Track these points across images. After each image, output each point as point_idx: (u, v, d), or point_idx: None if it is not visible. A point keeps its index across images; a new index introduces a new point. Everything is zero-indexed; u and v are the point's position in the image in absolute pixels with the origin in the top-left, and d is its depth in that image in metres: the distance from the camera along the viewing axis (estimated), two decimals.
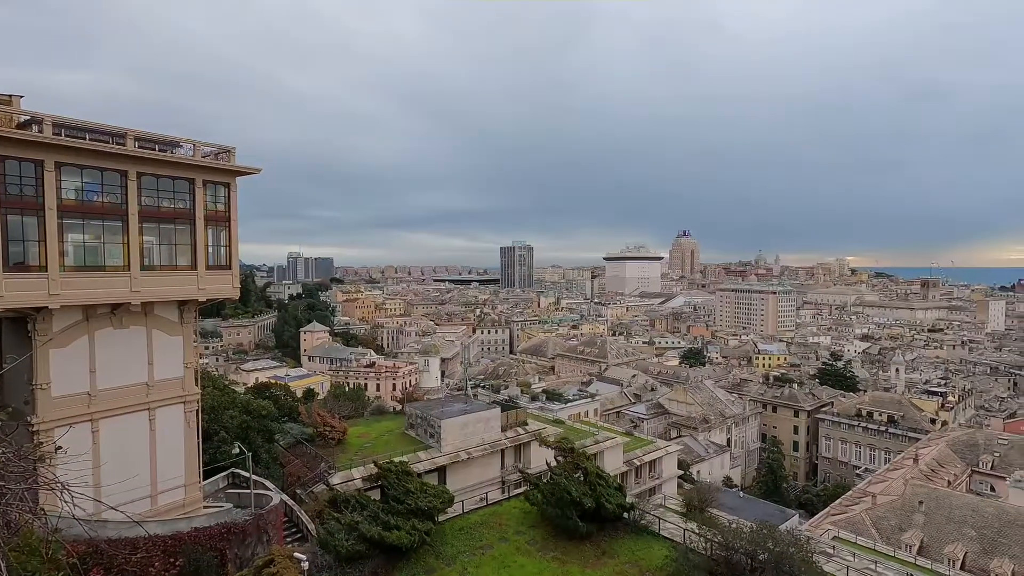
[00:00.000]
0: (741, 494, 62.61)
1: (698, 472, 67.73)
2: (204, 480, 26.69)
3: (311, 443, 38.57)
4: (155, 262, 23.78)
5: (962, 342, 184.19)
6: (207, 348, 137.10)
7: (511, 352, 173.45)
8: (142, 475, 23.22)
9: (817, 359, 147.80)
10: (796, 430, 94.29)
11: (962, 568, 38.18)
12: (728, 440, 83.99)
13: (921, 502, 44.59)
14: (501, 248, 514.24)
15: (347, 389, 78.91)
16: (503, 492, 38.05)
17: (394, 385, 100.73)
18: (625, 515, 29.04)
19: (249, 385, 62.50)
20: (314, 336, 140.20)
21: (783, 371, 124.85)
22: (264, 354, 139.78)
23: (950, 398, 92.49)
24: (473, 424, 40.37)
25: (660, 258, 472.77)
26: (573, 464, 30.30)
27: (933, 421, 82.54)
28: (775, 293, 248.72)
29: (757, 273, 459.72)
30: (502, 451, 41.69)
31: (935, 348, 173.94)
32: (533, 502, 29.44)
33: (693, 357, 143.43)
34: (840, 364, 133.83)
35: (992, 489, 56.77)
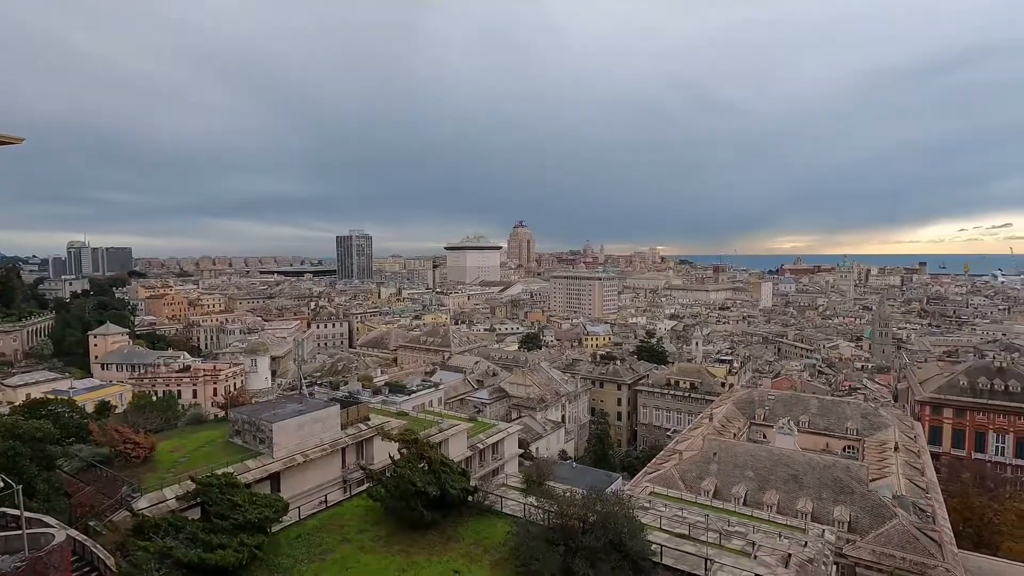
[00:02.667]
0: (574, 465, 68.05)
1: (537, 449, 71.96)
2: None
3: (107, 465, 32.90)
4: None
5: (743, 317, 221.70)
6: None
7: (351, 346, 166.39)
8: None
9: (635, 337, 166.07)
10: (619, 402, 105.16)
11: (744, 504, 46.05)
12: (563, 416, 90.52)
13: (715, 453, 52.68)
14: (337, 237, 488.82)
15: (154, 399, 68.82)
16: (345, 492, 36.45)
17: (215, 390, 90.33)
18: (470, 498, 29.72)
19: (17, 403, 51.17)
20: (108, 340, 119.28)
21: (608, 350, 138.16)
22: (38, 364, 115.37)
23: (735, 364, 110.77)
24: (310, 424, 37.95)
25: (499, 248, 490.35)
26: (417, 455, 30.09)
27: (723, 384, 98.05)
28: (600, 280, 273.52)
29: (585, 261, 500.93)
30: (343, 449, 39.85)
31: (724, 323, 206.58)
32: (376, 498, 28.69)
33: (531, 341, 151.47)
34: (654, 341, 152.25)
35: (764, 436, 69.22)
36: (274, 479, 34.65)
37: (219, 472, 27.66)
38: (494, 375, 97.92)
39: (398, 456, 30.93)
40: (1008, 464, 69.95)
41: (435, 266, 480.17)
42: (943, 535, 43.02)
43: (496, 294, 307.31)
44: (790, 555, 26.32)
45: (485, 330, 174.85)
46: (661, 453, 61.68)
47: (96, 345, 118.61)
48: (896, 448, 57.66)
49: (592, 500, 23.60)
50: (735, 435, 65.93)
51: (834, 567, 33.93)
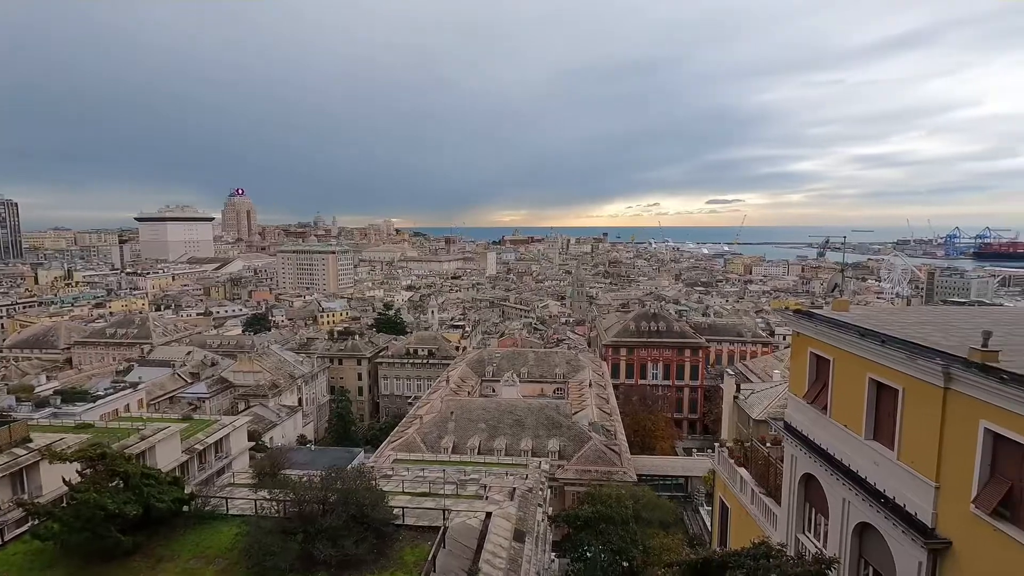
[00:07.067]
0: (313, 447, 65.06)
1: (271, 438, 66.33)
2: None
3: None
4: None
5: (473, 285, 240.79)
6: None
7: None
8: None
9: (373, 311, 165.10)
10: (360, 376, 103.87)
11: (478, 453, 50.78)
12: (300, 400, 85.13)
13: (452, 413, 56.49)
14: None
15: None
16: None
17: None
18: (185, 508, 25.68)
19: None
20: None
21: (346, 325, 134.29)
22: None
23: (467, 329, 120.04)
24: None
25: (211, 219, 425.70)
26: (108, 472, 24.45)
27: (458, 348, 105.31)
28: (334, 253, 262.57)
29: (317, 234, 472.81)
30: None
31: (456, 291, 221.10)
32: (47, 537, 22.44)
33: (258, 323, 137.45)
34: (392, 313, 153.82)
35: (494, 390, 77.01)
36: None
37: None
38: (213, 365, 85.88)
39: (79, 479, 24.68)
40: (660, 385, 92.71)
41: (123, 241, 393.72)
42: (622, 447, 54.95)
43: (211, 272, 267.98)
44: (515, 488, 30.08)
45: (199, 315, 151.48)
46: (403, 420, 63.42)
47: None
48: (590, 385, 70.77)
49: (331, 479, 22.75)
50: (469, 393, 71.77)
51: (548, 490, 40.16)
